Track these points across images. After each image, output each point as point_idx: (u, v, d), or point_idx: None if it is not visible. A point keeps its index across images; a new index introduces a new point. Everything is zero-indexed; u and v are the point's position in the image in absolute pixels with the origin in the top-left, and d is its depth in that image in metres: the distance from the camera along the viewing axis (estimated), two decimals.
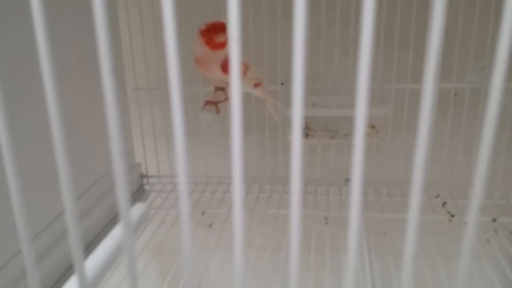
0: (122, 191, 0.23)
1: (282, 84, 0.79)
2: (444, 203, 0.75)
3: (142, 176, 0.84)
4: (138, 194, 0.81)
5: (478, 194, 0.21)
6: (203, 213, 0.78)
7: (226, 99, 0.67)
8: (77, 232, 0.24)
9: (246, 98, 0.76)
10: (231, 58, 0.20)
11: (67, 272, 0.54)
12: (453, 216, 0.71)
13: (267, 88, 0.73)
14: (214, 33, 0.59)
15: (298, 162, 0.20)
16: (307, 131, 0.74)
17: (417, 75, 0.76)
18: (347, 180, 0.81)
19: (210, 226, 0.83)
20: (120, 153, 0.22)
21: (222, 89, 0.68)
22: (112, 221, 0.68)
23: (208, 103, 0.66)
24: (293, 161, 0.21)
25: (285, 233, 0.71)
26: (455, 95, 0.77)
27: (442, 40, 0.19)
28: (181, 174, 0.22)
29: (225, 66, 0.61)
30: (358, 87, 0.19)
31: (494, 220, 0.68)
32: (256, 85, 0.68)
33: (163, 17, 0.20)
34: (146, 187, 0.84)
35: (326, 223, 0.76)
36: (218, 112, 0.65)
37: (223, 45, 0.60)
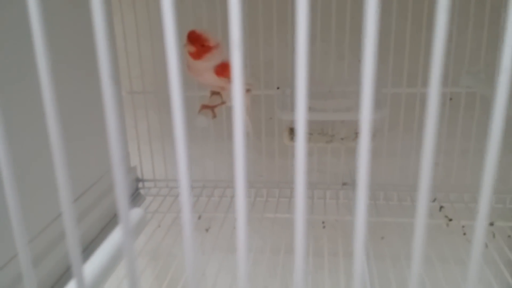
0: (121, 195, 0.22)
1: (278, 88, 0.79)
2: (441, 207, 0.74)
3: (138, 180, 0.84)
4: (133, 198, 0.80)
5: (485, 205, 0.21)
6: (199, 217, 0.77)
7: (223, 103, 0.67)
8: (75, 235, 0.23)
9: None
10: (232, 65, 0.19)
11: (65, 274, 0.53)
12: (450, 220, 0.71)
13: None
14: (185, 44, 0.58)
15: (302, 168, 0.20)
16: None
17: (413, 79, 0.76)
18: (344, 184, 0.81)
19: (207, 230, 0.82)
20: (119, 157, 0.22)
21: (218, 93, 0.68)
22: (109, 224, 0.67)
23: (205, 107, 0.65)
24: (297, 166, 0.20)
25: (282, 237, 0.71)
26: (450, 99, 0.77)
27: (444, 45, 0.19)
28: (182, 180, 0.22)
29: (219, 70, 0.61)
30: (362, 91, 0.19)
31: (491, 224, 0.68)
32: (247, 90, 0.68)
33: (162, 21, 0.20)
34: (142, 191, 0.83)
35: (324, 227, 0.76)
36: (214, 116, 0.65)
37: (196, 55, 0.58)
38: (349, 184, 0.80)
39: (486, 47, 0.73)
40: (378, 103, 0.69)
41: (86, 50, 0.63)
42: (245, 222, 0.21)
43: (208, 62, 0.59)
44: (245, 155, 0.20)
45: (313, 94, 0.76)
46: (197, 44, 0.58)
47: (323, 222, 0.77)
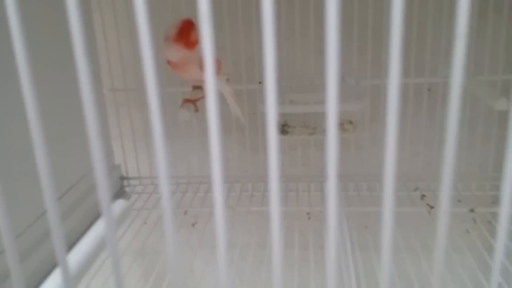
0: (103, 184, 0.22)
1: (260, 82, 0.80)
2: (423, 196, 0.76)
3: (122, 178, 0.83)
4: (119, 196, 0.80)
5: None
6: (185, 213, 0.78)
7: (204, 96, 0.67)
8: (59, 226, 0.24)
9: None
10: (202, 39, 0.20)
11: (52, 270, 0.53)
12: (432, 207, 0.72)
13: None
14: (188, 32, 0.57)
15: (275, 160, 0.21)
16: (287, 128, 0.74)
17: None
18: None
19: (193, 225, 0.83)
20: (99, 146, 0.22)
21: (200, 87, 0.68)
22: (94, 221, 0.66)
23: (186, 101, 0.65)
24: (270, 158, 0.21)
25: (268, 231, 0.71)
26: (429, 90, 0.78)
27: (403, 34, 0.20)
28: (161, 173, 0.22)
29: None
30: (327, 83, 0.20)
31: (472, 210, 0.70)
32: (228, 80, 0.68)
33: (136, 18, 0.20)
34: (127, 189, 0.83)
35: (309, 218, 0.77)
36: (196, 110, 0.65)
37: (197, 41, 0.58)
38: None
39: None
40: (358, 94, 0.70)
41: (66, 49, 0.62)
42: (223, 211, 0.22)
43: (198, 52, 0.59)
44: (220, 130, 0.21)
45: (295, 87, 0.77)
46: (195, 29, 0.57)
47: (308, 213, 0.78)
